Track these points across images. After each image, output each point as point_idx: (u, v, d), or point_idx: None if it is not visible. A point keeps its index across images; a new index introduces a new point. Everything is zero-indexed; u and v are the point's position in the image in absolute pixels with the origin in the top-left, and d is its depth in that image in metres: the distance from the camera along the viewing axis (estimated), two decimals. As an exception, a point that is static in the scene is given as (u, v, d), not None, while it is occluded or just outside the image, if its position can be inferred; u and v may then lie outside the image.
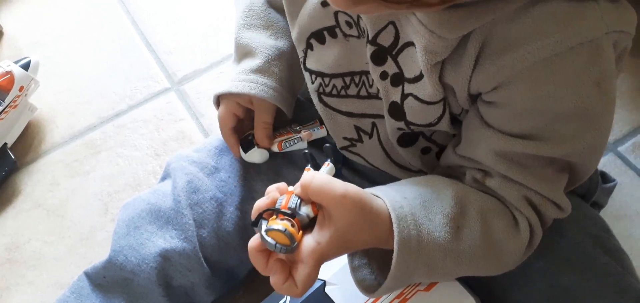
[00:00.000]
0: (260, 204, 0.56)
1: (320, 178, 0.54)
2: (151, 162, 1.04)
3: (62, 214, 0.99)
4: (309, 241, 0.53)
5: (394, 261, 0.55)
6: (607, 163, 0.97)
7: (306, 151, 0.73)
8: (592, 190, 0.75)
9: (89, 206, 0.99)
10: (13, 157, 1.02)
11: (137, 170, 1.03)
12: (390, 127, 0.66)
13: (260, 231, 0.54)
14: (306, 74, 0.71)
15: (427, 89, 0.59)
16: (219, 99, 0.75)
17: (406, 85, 0.61)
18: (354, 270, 0.61)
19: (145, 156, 1.05)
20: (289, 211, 0.54)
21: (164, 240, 0.71)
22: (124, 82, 1.16)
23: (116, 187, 1.01)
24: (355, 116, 0.69)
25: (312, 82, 0.70)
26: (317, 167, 0.70)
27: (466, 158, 0.62)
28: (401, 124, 0.64)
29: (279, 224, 0.53)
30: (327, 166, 0.69)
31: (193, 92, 1.13)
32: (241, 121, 0.75)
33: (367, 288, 0.59)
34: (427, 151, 0.69)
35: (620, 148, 0.99)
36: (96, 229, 0.96)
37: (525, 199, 0.59)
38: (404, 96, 0.62)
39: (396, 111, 0.64)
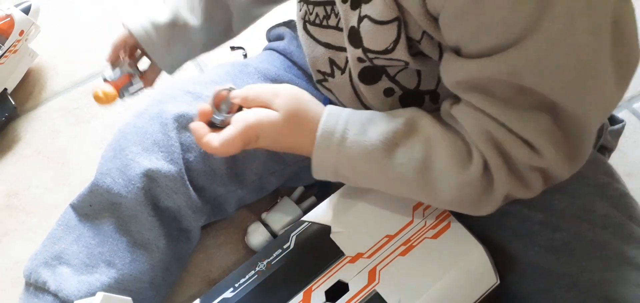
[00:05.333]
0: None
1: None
2: (153, 111, 1.02)
3: (62, 161, 0.98)
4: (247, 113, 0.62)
5: (314, 148, 0.61)
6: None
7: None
8: (598, 133, 0.72)
9: (89, 154, 0.98)
10: (13, 103, 1.00)
11: (139, 119, 1.01)
12: (351, 58, 0.65)
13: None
14: (297, 3, 0.71)
15: (378, 6, 0.57)
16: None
17: (363, 6, 0.60)
18: None
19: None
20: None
21: (149, 161, 0.71)
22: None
23: (117, 135, 0.99)
24: (332, 48, 0.68)
25: (300, 10, 0.70)
26: None
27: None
28: (359, 52, 0.63)
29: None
30: None
31: (196, 41, 1.10)
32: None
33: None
34: (390, 93, 0.67)
35: (635, 105, 0.97)
36: (96, 176, 0.95)
37: (485, 134, 0.56)
38: (361, 19, 0.60)
39: (354, 36, 0.62)
